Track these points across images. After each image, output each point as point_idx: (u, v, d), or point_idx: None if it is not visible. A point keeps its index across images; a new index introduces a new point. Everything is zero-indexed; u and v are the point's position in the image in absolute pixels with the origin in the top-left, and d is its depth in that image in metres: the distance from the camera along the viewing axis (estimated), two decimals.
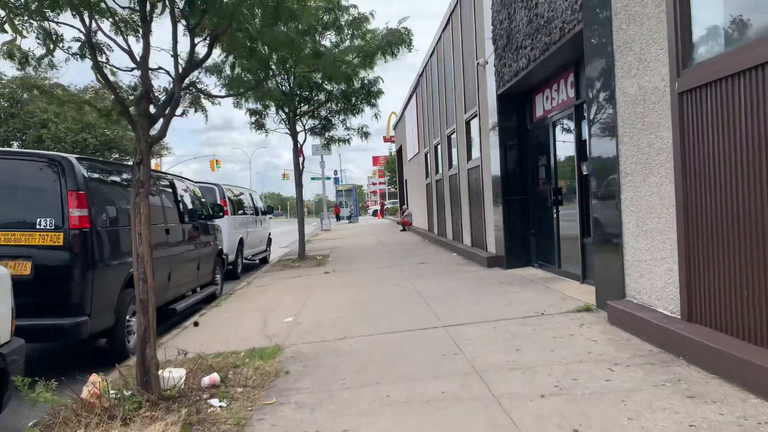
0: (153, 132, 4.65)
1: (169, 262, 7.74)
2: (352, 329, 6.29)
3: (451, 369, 4.54)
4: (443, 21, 15.04)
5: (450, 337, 5.51)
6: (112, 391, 4.23)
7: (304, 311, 7.72)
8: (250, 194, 16.07)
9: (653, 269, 5.04)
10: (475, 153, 12.15)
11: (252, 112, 14.93)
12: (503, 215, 9.88)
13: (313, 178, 54.65)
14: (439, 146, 16.99)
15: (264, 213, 17.23)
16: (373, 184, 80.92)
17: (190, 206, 9.24)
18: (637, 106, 5.17)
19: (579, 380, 4.00)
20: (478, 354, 4.86)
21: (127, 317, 6.28)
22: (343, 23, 13.04)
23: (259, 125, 15.15)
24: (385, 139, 49.18)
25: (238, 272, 13.61)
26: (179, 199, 8.64)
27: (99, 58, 4.96)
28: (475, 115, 11.73)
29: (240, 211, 14.67)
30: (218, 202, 12.74)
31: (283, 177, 61.12)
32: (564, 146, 8.41)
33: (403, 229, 26.22)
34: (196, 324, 7.62)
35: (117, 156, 35.57)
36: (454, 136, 14.42)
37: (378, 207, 59.93)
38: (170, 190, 8.44)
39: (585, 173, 7.28)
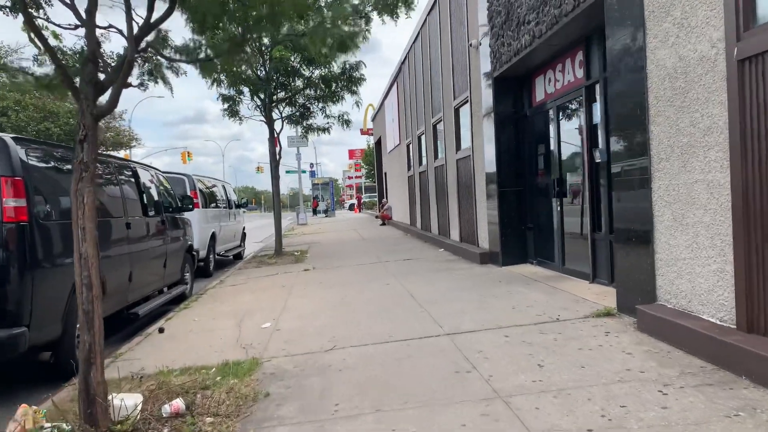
0: (101, 103, 3.78)
1: (130, 260, 6.84)
2: (341, 338, 5.48)
3: (467, 391, 3.77)
4: (428, 3, 14.24)
5: (458, 349, 4.74)
6: (46, 426, 3.38)
7: (284, 315, 6.89)
8: (223, 186, 15.11)
9: (696, 269, 4.34)
10: (465, 142, 11.40)
11: (225, 98, 13.95)
12: (498, 209, 9.16)
13: (288, 171, 53.57)
14: (423, 136, 16.22)
15: (238, 206, 16.29)
16: (349, 177, 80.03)
17: (155, 198, 8.33)
18: (675, 80, 4.45)
19: (629, 408, 3.26)
20: (496, 371, 4.10)
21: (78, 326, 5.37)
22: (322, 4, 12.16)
23: (233, 112, 14.17)
24: (362, 132, 48.42)
25: (210, 269, 12.69)
26: (143, 189, 7.72)
27: (35, 14, 4.07)
28: (466, 102, 10.98)
29: (213, 204, 13.73)
30: (188, 193, 11.78)
31: (257, 170, 59.79)
32: (570, 132, 7.71)
33: (383, 224, 25.46)
34: (161, 330, 6.74)
35: None
36: (440, 125, 13.66)
37: (355, 201, 59.11)
38: (133, 179, 7.51)
39: (598, 161, 6.58)
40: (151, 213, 7.87)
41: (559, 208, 7.83)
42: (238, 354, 5.23)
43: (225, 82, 13.59)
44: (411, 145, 18.51)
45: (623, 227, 5.34)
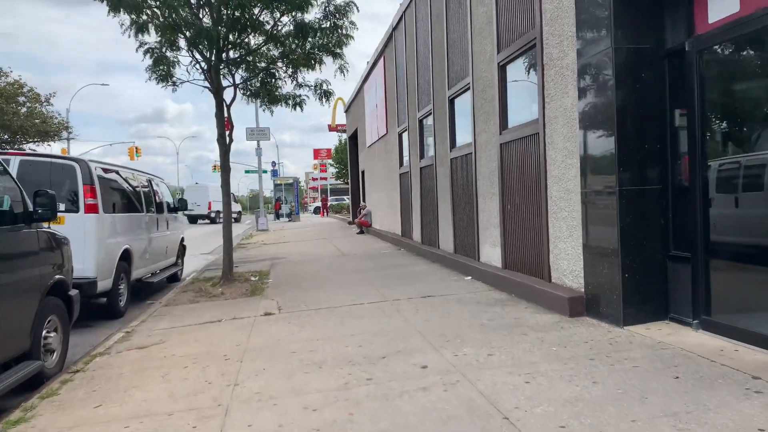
0: None
1: None
2: None
3: None
4: None
5: None
6: None
7: None
8: (150, 181, 10.64)
9: None
10: (522, 114, 7.34)
11: (149, 52, 9.48)
12: (618, 221, 5.12)
13: (247, 171, 48.90)
14: (428, 119, 12.10)
15: (173, 209, 11.83)
16: (314, 179, 75.31)
17: None
18: None
19: None
20: None
21: None
22: None
23: (163, 75, 9.73)
24: (331, 128, 44.05)
25: (121, 307, 8.31)
26: None
27: None
28: (528, 48, 6.92)
29: (139, 207, 9.41)
30: (79, 189, 7.41)
31: (214, 168, 54.47)
32: None
33: (361, 231, 21.29)
34: None
35: (6, 136, 29.02)
36: (463, 98, 9.57)
37: (320, 204, 54.77)
38: None
39: None
40: None
41: None
42: None
43: (151, 27, 9.20)
44: (406, 134, 14.36)
45: None
